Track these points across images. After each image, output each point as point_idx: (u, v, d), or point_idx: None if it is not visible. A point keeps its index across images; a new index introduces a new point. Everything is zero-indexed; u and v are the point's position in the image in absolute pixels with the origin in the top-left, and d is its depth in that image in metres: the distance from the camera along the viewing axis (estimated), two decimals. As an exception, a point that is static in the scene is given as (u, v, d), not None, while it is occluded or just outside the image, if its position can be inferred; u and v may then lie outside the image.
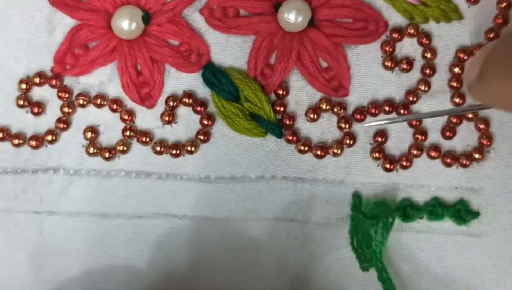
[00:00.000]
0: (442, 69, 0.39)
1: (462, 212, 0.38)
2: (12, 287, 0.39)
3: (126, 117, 0.38)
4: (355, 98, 0.39)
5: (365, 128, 0.39)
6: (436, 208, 0.38)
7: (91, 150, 0.38)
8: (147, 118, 0.39)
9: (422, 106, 0.39)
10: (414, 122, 0.38)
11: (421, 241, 0.39)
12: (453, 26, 0.39)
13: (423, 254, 0.39)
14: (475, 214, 0.38)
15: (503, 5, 0.38)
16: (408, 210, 0.38)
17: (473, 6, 0.39)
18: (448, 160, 0.38)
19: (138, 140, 0.39)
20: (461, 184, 0.39)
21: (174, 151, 0.38)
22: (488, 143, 0.38)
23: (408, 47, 0.39)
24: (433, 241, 0.39)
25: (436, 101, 0.39)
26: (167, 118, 0.38)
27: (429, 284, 0.39)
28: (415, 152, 0.38)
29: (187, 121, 0.39)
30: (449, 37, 0.39)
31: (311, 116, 0.38)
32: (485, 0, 0.39)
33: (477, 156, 0.38)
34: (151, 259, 0.39)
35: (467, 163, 0.38)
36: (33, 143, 0.38)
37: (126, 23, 0.37)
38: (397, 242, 0.39)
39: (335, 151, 0.38)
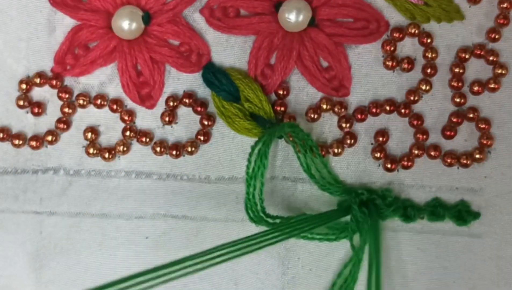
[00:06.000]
0: (443, 69, 0.39)
1: (463, 213, 0.38)
2: (12, 288, 0.39)
3: (126, 117, 0.39)
4: (356, 97, 0.39)
5: (366, 128, 0.39)
6: (437, 209, 0.38)
7: (91, 150, 0.38)
8: (147, 118, 0.39)
9: (423, 105, 0.39)
10: (415, 122, 0.38)
11: (422, 241, 0.39)
12: (454, 26, 0.39)
13: (424, 255, 0.39)
14: (476, 215, 0.38)
15: (504, 5, 0.38)
16: (409, 210, 0.38)
17: (474, 6, 0.39)
18: (449, 160, 0.38)
19: (138, 141, 0.39)
20: (461, 185, 0.39)
21: (174, 152, 0.38)
22: (489, 143, 0.38)
23: (409, 46, 0.39)
24: (434, 242, 0.39)
25: (437, 101, 0.39)
26: (167, 119, 0.38)
27: (430, 284, 0.39)
28: (416, 151, 0.38)
29: (187, 122, 0.39)
30: (450, 37, 0.39)
31: (312, 116, 0.38)
32: (486, 0, 0.39)
33: (477, 156, 0.38)
34: (151, 259, 0.39)
35: (468, 163, 0.38)
36: (33, 143, 0.38)
37: (126, 23, 0.37)
38: (397, 243, 0.39)
39: (336, 150, 0.38)
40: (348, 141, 0.38)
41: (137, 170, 0.39)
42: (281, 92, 0.38)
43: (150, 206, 0.39)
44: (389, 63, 0.38)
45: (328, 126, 0.39)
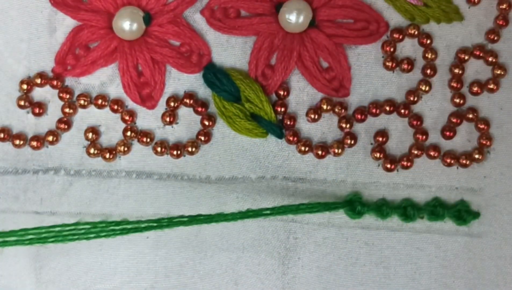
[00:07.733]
0: (443, 70, 0.39)
1: (462, 213, 0.38)
2: (12, 288, 0.39)
3: (127, 117, 0.39)
4: (356, 98, 0.39)
5: (366, 128, 0.39)
6: (436, 208, 0.38)
7: (92, 150, 0.38)
8: (148, 118, 0.39)
9: (422, 106, 0.39)
10: (415, 122, 0.38)
11: (422, 241, 0.39)
12: (453, 27, 0.39)
13: (423, 254, 0.39)
14: (476, 215, 0.38)
15: (504, 6, 0.39)
16: (408, 210, 0.38)
17: (474, 7, 0.39)
18: (448, 160, 0.38)
19: (139, 141, 0.39)
20: (461, 185, 0.39)
21: (174, 152, 0.38)
22: (488, 144, 0.38)
23: (409, 47, 0.39)
24: (434, 241, 0.39)
25: (437, 101, 0.39)
26: (168, 119, 0.38)
27: (430, 284, 0.39)
28: (415, 152, 0.38)
29: (188, 122, 0.39)
30: (449, 37, 0.39)
31: (312, 116, 0.38)
32: (486, 1, 0.39)
33: (477, 156, 0.38)
34: (151, 259, 0.39)
35: (467, 163, 0.38)
36: (34, 143, 0.38)
37: (127, 24, 0.37)
38: (397, 242, 0.39)
39: (336, 150, 0.38)
40: (348, 141, 0.38)
41: (137, 170, 0.39)
42: (281, 92, 0.38)
43: (150, 206, 0.39)
44: (389, 64, 0.39)
45: (328, 126, 0.39)
